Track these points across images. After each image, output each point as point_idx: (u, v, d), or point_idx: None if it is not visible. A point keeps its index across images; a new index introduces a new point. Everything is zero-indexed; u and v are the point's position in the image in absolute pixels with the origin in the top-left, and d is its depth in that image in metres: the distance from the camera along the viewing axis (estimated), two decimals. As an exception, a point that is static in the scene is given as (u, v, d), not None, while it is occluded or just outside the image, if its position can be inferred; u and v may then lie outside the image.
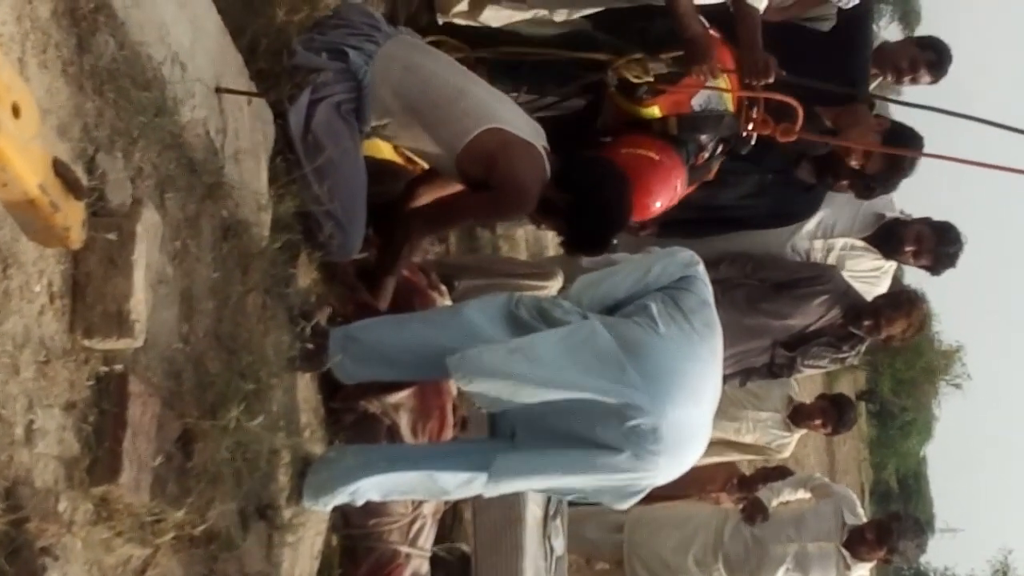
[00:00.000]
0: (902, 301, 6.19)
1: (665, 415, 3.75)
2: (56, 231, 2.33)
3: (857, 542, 6.94)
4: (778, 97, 4.82)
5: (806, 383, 12.84)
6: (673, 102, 4.91)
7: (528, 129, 4.24)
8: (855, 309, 6.05)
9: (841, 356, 6.23)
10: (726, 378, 5.01)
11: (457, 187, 4.34)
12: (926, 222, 6.11)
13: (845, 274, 6.10)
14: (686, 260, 4.16)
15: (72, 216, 2.36)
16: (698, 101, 4.90)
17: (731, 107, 4.91)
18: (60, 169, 2.30)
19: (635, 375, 3.75)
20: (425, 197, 4.47)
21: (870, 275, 6.22)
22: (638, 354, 3.80)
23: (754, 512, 7.13)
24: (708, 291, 4.12)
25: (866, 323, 6.06)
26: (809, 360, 6.18)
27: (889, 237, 6.08)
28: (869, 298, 6.27)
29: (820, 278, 5.97)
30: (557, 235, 4.58)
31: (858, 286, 6.16)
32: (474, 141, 4.10)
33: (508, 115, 4.20)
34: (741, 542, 6.92)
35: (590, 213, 4.27)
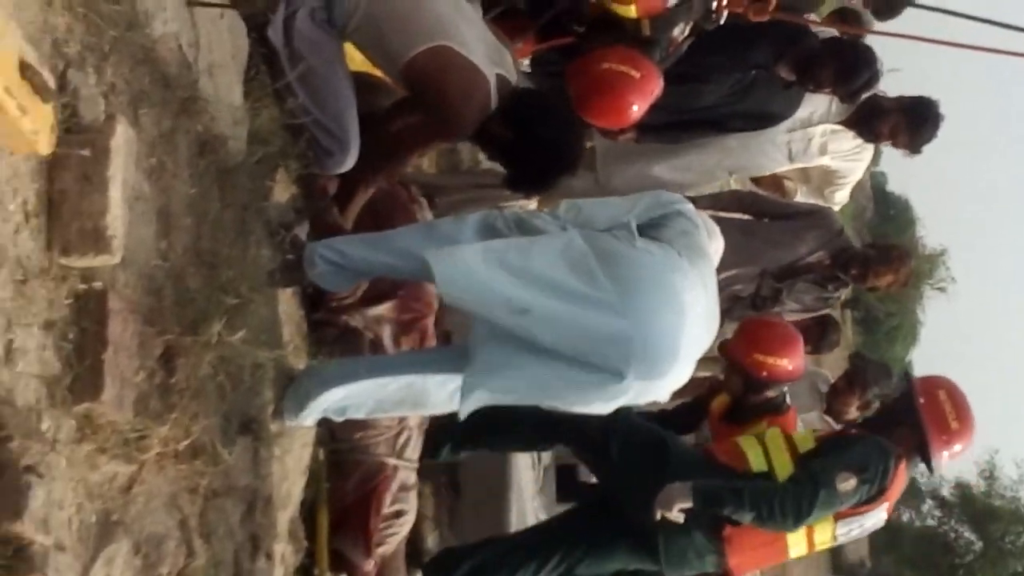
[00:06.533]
0: (892, 257, 6.22)
1: (638, 320, 3.71)
2: (24, 135, 2.30)
3: (833, 398, 7.00)
4: None
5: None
6: (649, 4, 4.88)
7: (483, 53, 4.12)
8: (845, 256, 6.07)
9: (824, 296, 6.24)
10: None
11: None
12: (900, 102, 6.09)
13: (828, 158, 6.19)
14: (671, 199, 4.18)
15: (40, 120, 2.33)
16: None
17: None
18: (27, 72, 2.27)
19: (606, 281, 3.72)
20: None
21: (853, 153, 6.32)
22: (612, 262, 3.77)
23: None
24: (691, 225, 4.10)
25: (854, 272, 6.08)
26: (794, 295, 6.18)
27: (867, 121, 6.10)
28: (855, 175, 6.41)
29: (817, 214, 6.06)
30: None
31: (843, 164, 6.29)
32: (417, 57, 3.99)
33: (466, 36, 4.08)
34: None
35: (532, 151, 4.17)
